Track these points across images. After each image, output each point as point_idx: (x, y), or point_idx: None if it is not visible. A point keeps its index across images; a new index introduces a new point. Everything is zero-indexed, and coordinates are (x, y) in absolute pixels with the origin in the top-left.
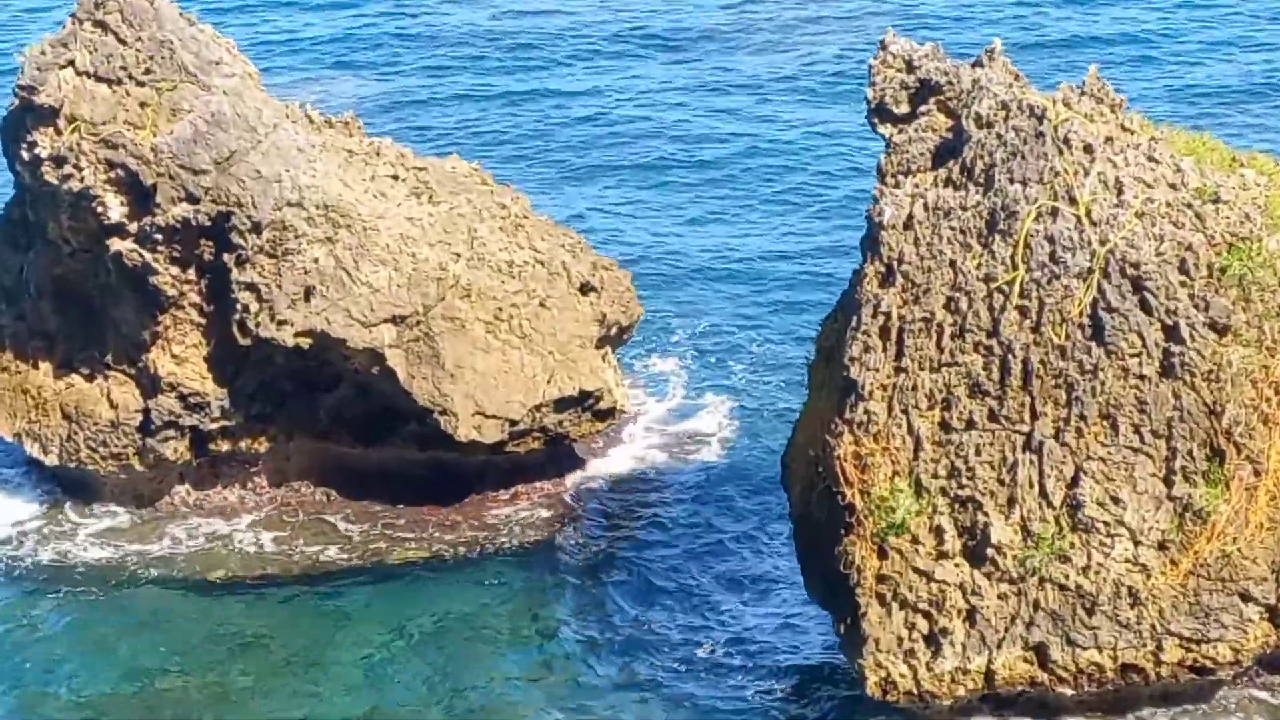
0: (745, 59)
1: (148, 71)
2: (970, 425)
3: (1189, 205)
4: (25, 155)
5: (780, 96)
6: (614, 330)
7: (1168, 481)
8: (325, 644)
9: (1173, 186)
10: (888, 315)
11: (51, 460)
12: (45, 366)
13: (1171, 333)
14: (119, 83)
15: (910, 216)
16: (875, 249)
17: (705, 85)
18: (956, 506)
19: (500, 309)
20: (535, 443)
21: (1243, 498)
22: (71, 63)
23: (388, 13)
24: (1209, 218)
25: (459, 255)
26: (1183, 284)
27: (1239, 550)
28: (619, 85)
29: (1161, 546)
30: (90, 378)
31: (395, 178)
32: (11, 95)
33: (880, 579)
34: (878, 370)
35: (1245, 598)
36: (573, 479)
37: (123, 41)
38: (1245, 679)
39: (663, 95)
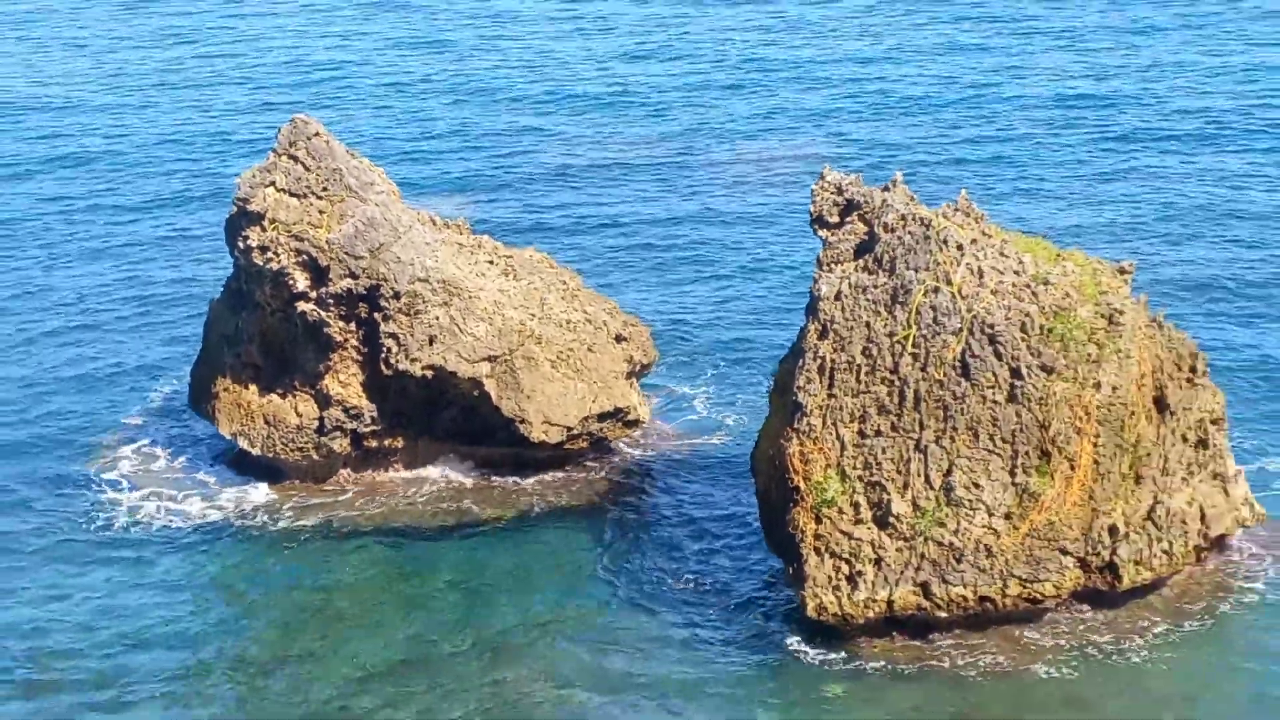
0: (693, 173)
1: (324, 189)
2: (878, 433)
3: (1028, 286)
4: (240, 245)
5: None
6: (638, 367)
7: (1012, 473)
8: (439, 567)
9: (1016, 273)
10: (823, 359)
11: (256, 451)
12: (253, 389)
13: (1015, 372)
14: (305, 196)
15: (839, 292)
16: (815, 313)
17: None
18: (868, 488)
19: (561, 352)
20: (584, 443)
21: (1063, 484)
22: (273, 183)
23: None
24: (1041, 294)
25: (533, 315)
26: (1023, 339)
27: (1059, 520)
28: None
29: (1007, 516)
30: (283, 396)
31: (491, 262)
32: (231, 205)
33: (816, 537)
34: (816, 395)
35: (1064, 552)
36: (608, 467)
37: (307, 169)
38: (1063, 607)
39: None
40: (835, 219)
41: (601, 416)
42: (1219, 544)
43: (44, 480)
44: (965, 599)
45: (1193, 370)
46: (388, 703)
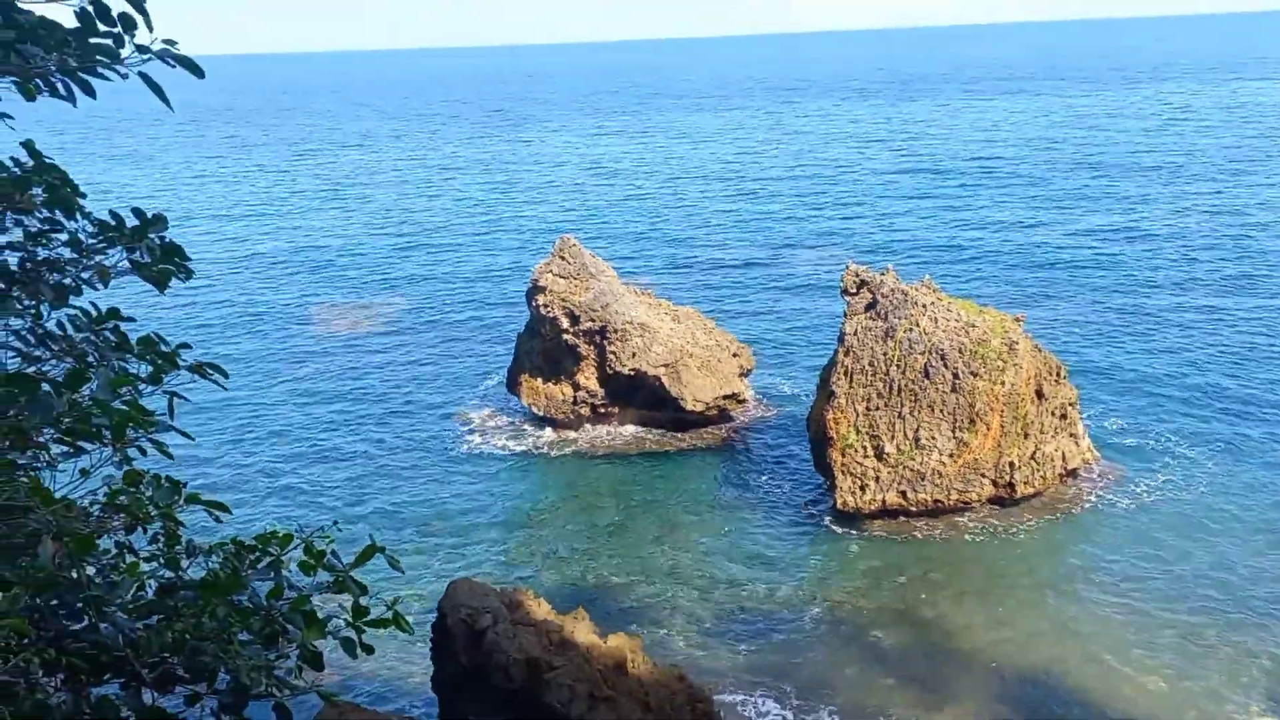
0: (780, 267)
1: (578, 274)
2: (877, 408)
3: (963, 328)
4: (533, 304)
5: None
6: (745, 371)
7: (954, 430)
8: (634, 475)
9: (957, 321)
10: (846, 366)
11: (540, 413)
12: (539, 380)
13: (956, 375)
14: (567, 278)
15: (855, 330)
16: (842, 340)
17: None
18: (871, 439)
19: (703, 361)
20: (715, 412)
21: (983, 438)
22: (551, 270)
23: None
24: (970, 333)
25: (689, 342)
26: (960, 356)
27: (980, 457)
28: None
29: (950, 455)
30: (555, 384)
31: (666, 313)
32: (529, 283)
33: (843, 464)
34: (842, 386)
35: (983, 476)
36: (727, 425)
37: (569, 263)
38: (983, 506)
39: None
40: (854, 290)
41: (724, 397)
42: (1073, 474)
43: (432, 425)
44: (926, 501)
45: (1058, 375)
46: (605, 548)
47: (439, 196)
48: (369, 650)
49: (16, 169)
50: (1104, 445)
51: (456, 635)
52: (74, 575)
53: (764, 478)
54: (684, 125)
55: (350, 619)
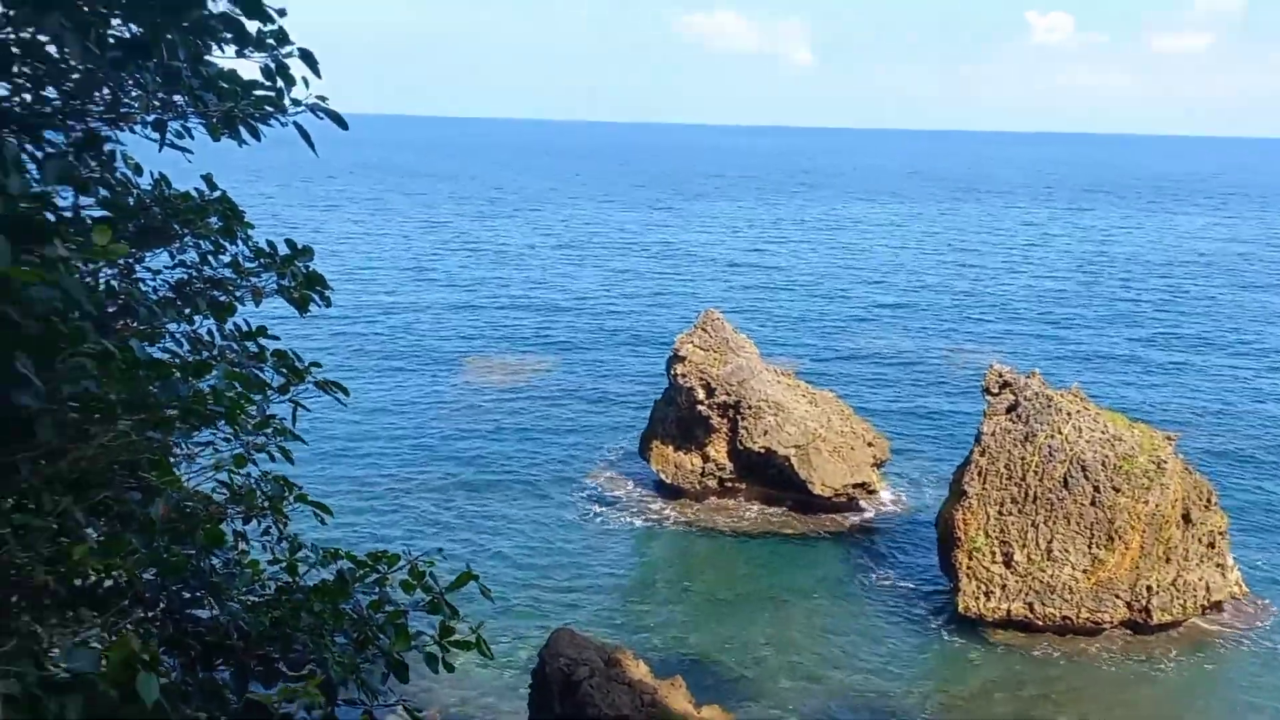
0: (930, 366)
1: (718, 347)
2: (1010, 514)
3: (1109, 440)
4: (673, 373)
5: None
6: (879, 461)
7: (1089, 546)
8: (753, 552)
9: (1103, 433)
10: (982, 467)
11: (669, 481)
12: (670, 448)
13: (1096, 488)
14: (707, 350)
15: (994, 431)
16: (979, 440)
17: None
18: (1002, 544)
19: (835, 447)
20: (842, 499)
21: (1120, 557)
22: (693, 341)
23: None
24: (1116, 446)
25: (822, 426)
26: (1103, 469)
27: (1116, 577)
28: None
29: (1084, 571)
30: (685, 453)
31: (803, 395)
32: (670, 352)
33: (969, 568)
34: (975, 487)
35: (1117, 597)
36: (855, 514)
37: (710, 335)
38: (1115, 630)
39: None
40: (996, 390)
41: (854, 485)
42: (1217, 607)
43: (557, 481)
44: (1054, 616)
45: (1209, 501)
46: (713, 622)
47: (600, 265)
48: (449, 668)
49: (198, 199)
50: (1257, 582)
51: (553, 683)
52: (200, 564)
53: (886, 571)
54: (848, 215)
55: (437, 637)
